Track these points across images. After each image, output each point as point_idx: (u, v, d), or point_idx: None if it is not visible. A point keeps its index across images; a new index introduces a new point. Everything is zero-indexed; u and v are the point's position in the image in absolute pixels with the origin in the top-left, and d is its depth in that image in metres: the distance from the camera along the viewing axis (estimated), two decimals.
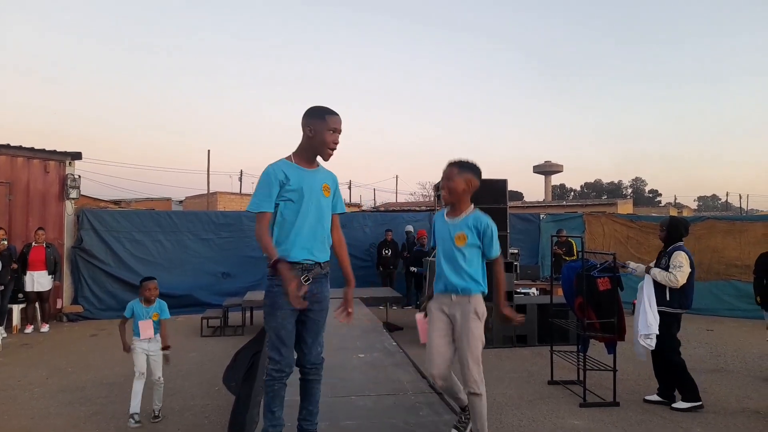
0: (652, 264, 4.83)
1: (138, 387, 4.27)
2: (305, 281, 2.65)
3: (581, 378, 4.88)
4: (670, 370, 4.65)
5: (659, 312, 4.56)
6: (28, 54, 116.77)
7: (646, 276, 4.71)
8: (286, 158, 2.72)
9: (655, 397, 4.75)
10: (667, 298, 4.58)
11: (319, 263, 2.72)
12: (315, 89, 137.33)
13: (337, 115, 2.72)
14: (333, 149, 2.72)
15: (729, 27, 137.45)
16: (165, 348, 4.41)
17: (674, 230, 4.78)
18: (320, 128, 2.66)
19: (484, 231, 2.96)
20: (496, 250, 2.99)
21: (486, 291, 3.00)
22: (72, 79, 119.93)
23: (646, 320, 4.54)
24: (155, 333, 4.37)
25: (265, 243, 2.57)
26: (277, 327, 2.62)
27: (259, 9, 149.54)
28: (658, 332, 4.51)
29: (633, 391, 5.06)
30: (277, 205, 2.63)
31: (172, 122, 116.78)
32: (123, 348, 4.36)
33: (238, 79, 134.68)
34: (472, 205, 3.07)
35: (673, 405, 4.59)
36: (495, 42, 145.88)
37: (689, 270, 4.55)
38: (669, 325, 4.58)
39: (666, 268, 4.61)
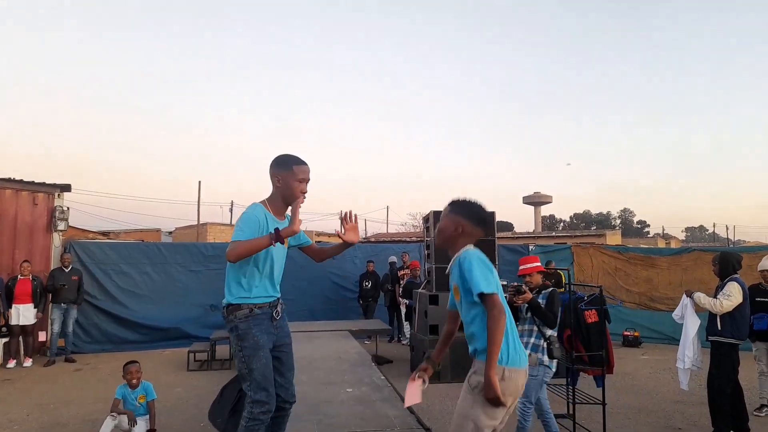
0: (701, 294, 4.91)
1: (107, 428, 4.16)
2: (277, 316, 2.78)
3: (571, 411, 4.85)
4: (714, 399, 4.61)
5: (712, 342, 4.66)
6: (17, 81, 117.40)
7: (689, 305, 4.85)
8: (262, 203, 2.77)
9: None
10: (719, 328, 4.65)
11: (279, 299, 2.86)
12: (305, 120, 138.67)
13: (304, 164, 2.75)
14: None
15: (715, 58, 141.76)
16: (151, 431, 4.36)
17: (725, 264, 4.89)
18: (288, 179, 2.70)
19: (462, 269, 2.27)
20: (475, 286, 2.19)
21: (505, 363, 2.20)
22: (61, 109, 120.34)
23: (684, 351, 4.76)
24: (143, 414, 4.40)
25: (249, 242, 2.53)
26: (262, 367, 2.65)
27: (250, 39, 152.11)
28: (698, 365, 4.68)
29: (623, 425, 5.03)
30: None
31: (164, 153, 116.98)
32: (128, 417, 4.26)
33: (229, 109, 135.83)
34: (470, 246, 2.38)
35: None
36: (484, 73, 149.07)
37: (739, 299, 4.60)
38: (723, 355, 4.61)
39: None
